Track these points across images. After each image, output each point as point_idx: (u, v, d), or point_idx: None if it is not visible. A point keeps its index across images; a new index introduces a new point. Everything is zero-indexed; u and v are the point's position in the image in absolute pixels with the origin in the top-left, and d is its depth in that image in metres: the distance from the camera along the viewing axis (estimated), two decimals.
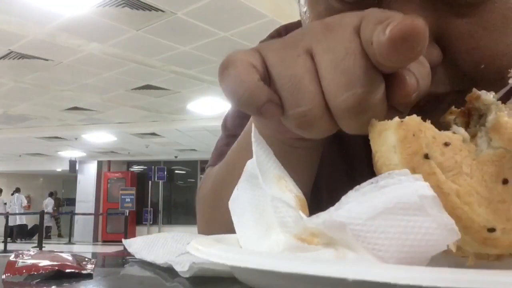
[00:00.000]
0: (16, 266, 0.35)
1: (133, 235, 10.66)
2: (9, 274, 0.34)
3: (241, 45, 4.81)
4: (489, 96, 0.26)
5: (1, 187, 14.22)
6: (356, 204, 0.23)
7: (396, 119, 0.25)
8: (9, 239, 10.09)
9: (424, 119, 0.25)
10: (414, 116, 0.25)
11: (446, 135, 0.25)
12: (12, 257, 0.37)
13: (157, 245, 0.46)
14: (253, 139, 0.30)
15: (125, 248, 0.51)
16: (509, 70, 0.27)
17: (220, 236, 0.33)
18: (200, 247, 0.25)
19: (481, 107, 0.26)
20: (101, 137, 10.09)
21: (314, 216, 0.25)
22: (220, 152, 0.65)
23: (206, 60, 5.31)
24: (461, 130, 0.25)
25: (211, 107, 7.53)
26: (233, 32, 4.56)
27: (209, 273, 0.32)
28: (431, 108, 0.35)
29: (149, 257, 0.43)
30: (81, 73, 5.82)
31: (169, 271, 0.37)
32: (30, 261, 0.36)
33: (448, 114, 0.28)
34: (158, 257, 0.41)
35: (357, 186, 0.24)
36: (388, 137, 0.25)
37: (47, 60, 5.35)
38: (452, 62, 0.36)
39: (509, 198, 0.23)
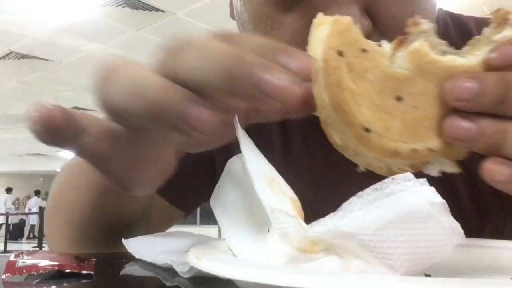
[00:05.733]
0: (16, 266, 0.35)
1: None
2: (9, 274, 0.34)
3: None
4: (427, 25, 0.27)
5: (1, 187, 14.19)
6: (364, 213, 0.22)
7: (336, 16, 0.27)
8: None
9: None
10: (348, 17, 0.27)
11: (368, 42, 0.27)
12: (12, 257, 0.37)
13: (157, 245, 0.46)
14: (240, 140, 0.28)
15: (125, 248, 0.51)
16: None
17: (220, 241, 0.33)
18: (201, 257, 0.24)
19: (415, 33, 0.27)
20: None
21: (314, 223, 0.24)
22: None
23: None
24: (386, 44, 0.27)
25: None
26: None
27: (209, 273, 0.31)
28: None
29: (149, 257, 0.43)
30: (81, 73, 5.81)
31: (169, 271, 0.37)
32: (30, 261, 0.36)
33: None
34: (158, 257, 0.41)
35: (360, 193, 0.23)
36: (323, 30, 0.27)
37: (47, 60, 5.34)
38: (381, 30, 0.42)
39: (395, 113, 0.25)
